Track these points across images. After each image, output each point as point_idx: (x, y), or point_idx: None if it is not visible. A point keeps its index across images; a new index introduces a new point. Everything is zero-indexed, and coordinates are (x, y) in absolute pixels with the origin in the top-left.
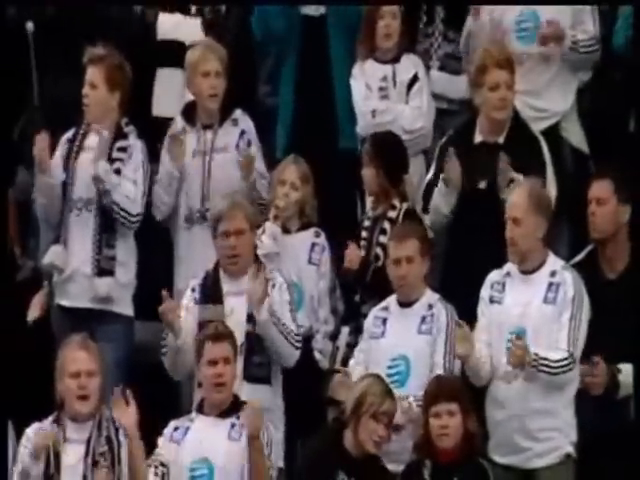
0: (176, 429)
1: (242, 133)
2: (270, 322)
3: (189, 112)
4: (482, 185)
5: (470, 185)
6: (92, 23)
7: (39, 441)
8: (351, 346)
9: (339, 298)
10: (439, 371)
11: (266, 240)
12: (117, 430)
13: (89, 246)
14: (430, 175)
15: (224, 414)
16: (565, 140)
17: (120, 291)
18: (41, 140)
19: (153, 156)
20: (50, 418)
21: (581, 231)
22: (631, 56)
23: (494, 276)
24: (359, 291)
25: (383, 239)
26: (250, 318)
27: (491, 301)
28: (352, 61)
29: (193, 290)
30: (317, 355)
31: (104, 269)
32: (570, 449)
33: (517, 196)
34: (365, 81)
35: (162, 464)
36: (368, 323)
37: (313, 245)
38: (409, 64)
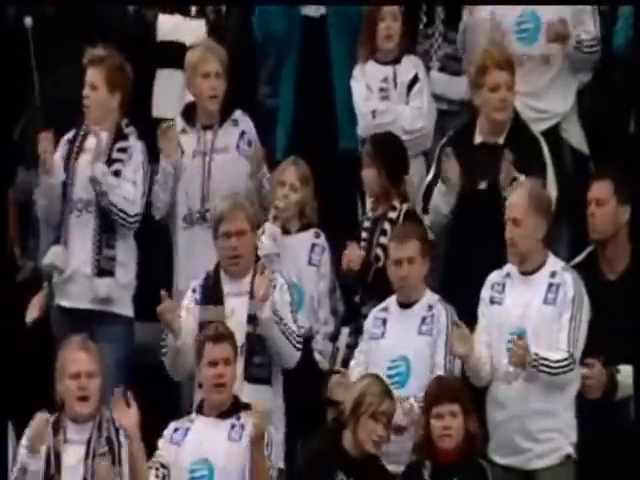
0: (176, 430)
1: (242, 134)
2: (272, 321)
3: (189, 113)
4: (482, 186)
5: (470, 186)
6: (91, 23)
7: (34, 430)
8: (351, 347)
9: (339, 299)
10: (440, 372)
11: (266, 241)
12: (117, 431)
13: (89, 246)
14: (430, 176)
15: (224, 415)
16: (565, 141)
17: (120, 292)
18: (45, 139)
19: (153, 157)
20: (50, 419)
21: (581, 232)
22: (631, 57)
23: (494, 277)
24: (359, 292)
25: (383, 240)
26: (251, 319)
27: (491, 302)
28: (352, 62)
29: (194, 291)
30: (317, 356)
31: (104, 269)
32: (570, 450)
33: (517, 197)
34: (366, 82)
35: (163, 466)
36: (368, 324)
37: (313, 246)
38: (410, 65)
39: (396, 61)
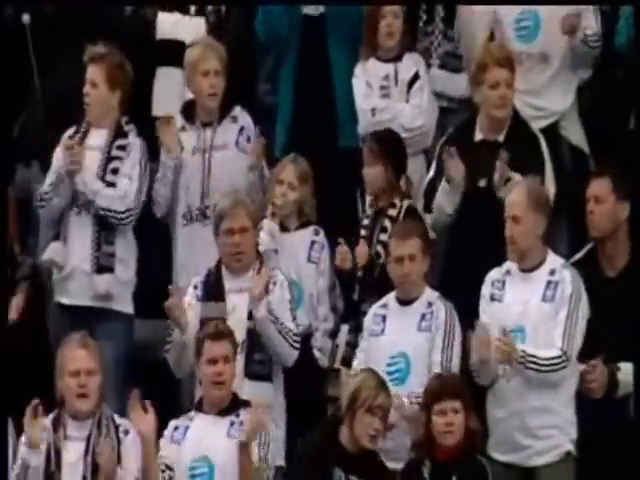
0: (176, 429)
1: (241, 129)
2: (268, 320)
3: (188, 110)
4: (482, 183)
5: (470, 183)
6: (91, 21)
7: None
8: (351, 344)
9: (338, 296)
10: (436, 369)
11: (263, 237)
12: (117, 428)
13: (88, 243)
14: (431, 173)
15: (223, 412)
16: (564, 138)
17: (120, 288)
18: (75, 149)
19: (153, 155)
20: (50, 416)
21: (580, 229)
22: (633, 55)
23: (494, 274)
24: (357, 289)
25: (383, 237)
26: (251, 315)
27: (491, 299)
28: (352, 59)
29: (195, 287)
30: (316, 353)
31: (103, 266)
32: (570, 447)
33: (516, 194)
34: (367, 80)
35: (168, 467)
36: (367, 321)
37: (312, 243)
38: (411, 63)
39: (397, 59)
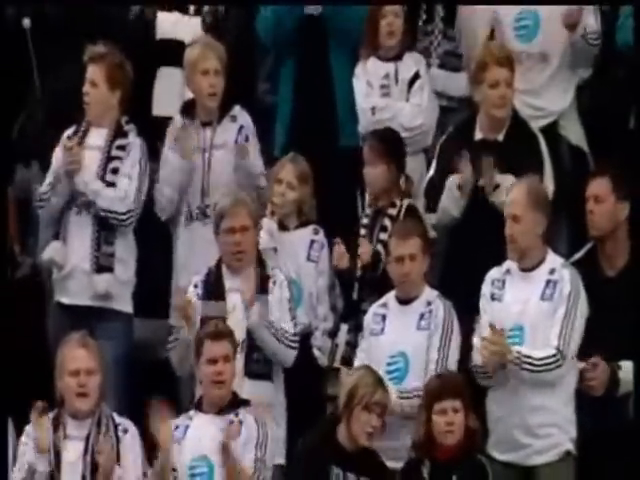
0: (177, 428)
1: (240, 128)
2: (261, 326)
3: (188, 110)
4: (482, 182)
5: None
6: (91, 22)
7: (34, 426)
8: (350, 343)
9: (338, 295)
10: (433, 366)
11: (262, 235)
12: (116, 427)
13: (88, 243)
14: (431, 172)
15: (223, 411)
16: (563, 138)
17: (119, 288)
18: (75, 149)
19: (153, 155)
20: (50, 415)
21: (580, 229)
22: (633, 54)
23: (494, 273)
24: (357, 288)
25: (383, 236)
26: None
27: (492, 298)
28: (352, 59)
29: (195, 286)
30: (316, 352)
31: (103, 266)
32: (570, 446)
33: (516, 193)
34: (367, 79)
35: (172, 469)
36: (367, 320)
37: (312, 242)
38: (411, 62)
39: (398, 58)
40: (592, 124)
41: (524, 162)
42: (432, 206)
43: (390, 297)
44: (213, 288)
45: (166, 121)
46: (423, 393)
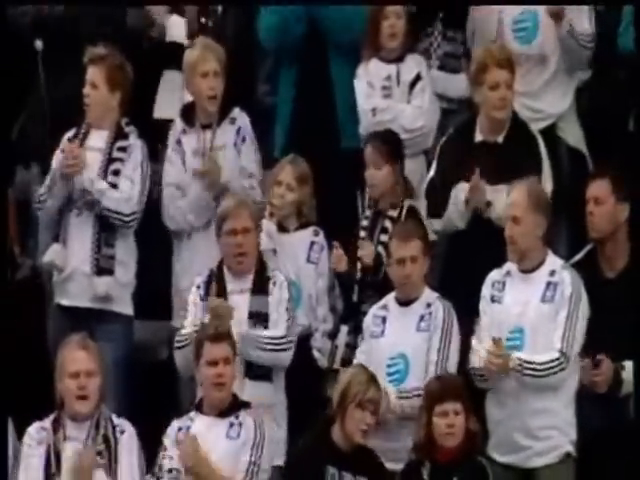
0: (179, 430)
1: (238, 130)
2: (246, 347)
3: (188, 113)
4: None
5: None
6: (94, 24)
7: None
8: (350, 345)
9: (338, 297)
10: (432, 368)
11: (262, 237)
12: (114, 428)
13: (88, 245)
14: (431, 173)
15: (223, 414)
16: (562, 140)
17: (119, 290)
18: (75, 152)
19: (153, 157)
20: (50, 417)
21: (580, 230)
22: (633, 56)
23: (495, 275)
24: (357, 290)
25: (384, 238)
26: (252, 315)
27: (492, 300)
28: (352, 61)
29: (198, 287)
30: (316, 354)
31: (103, 268)
32: (570, 448)
33: (517, 195)
34: (368, 80)
35: (178, 471)
36: (367, 322)
37: (312, 244)
38: (413, 64)
39: (400, 59)
40: (592, 126)
41: (524, 164)
42: (433, 208)
43: (390, 299)
44: (215, 290)
45: (166, 123)
46: (423, 395)
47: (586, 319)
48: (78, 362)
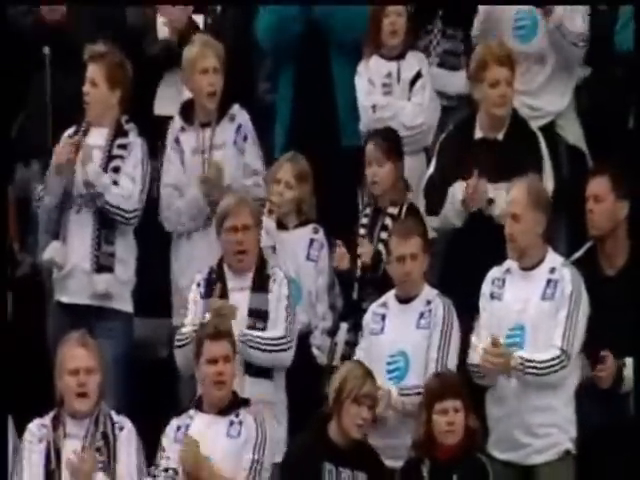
0: (178, 428)
1: (239, 127)
2: (245, 349)
3: (187, 111)
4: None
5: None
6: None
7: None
8: (350, 343)
9: (337, 294)
10: (432, 365)
11: (261, 234)
12: (113, 425)
13: (88, 242)
14: (431, 170)
15: (223, 412)
16: (562, 138)
17: (119, 287)
18: (68, 146)
19: (153, 154)
20: (50, 414)
21: (580, 228)
22: (632, 54)
23: (495, 272)
24: (357, 288)
25: (384, 235)
26: (252, 313)
27: (492, 297)
28: (352, 59)
29: (198, 285)
30: (315, 351)
31: (103, 265)
32: (570, 445)
33: (517, 192)
34: (369, 77)
35: (175, 471)
36: (367, 319)
37: (311, 241)
38: (414, 61)
39: (400, 57)
40: (591, 123)
41: (524, 161)
42: (432, 206)
43: (390, 296)
44: (215, 287)
45: (166, 120)
46: (423, 392)
47: (586, 317)
48: (78, 359)
